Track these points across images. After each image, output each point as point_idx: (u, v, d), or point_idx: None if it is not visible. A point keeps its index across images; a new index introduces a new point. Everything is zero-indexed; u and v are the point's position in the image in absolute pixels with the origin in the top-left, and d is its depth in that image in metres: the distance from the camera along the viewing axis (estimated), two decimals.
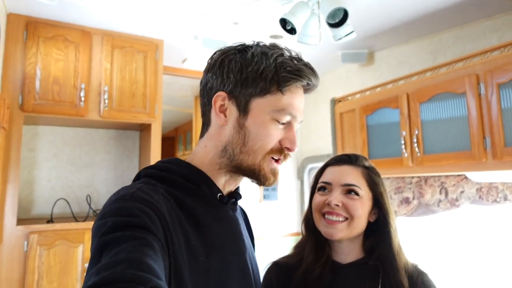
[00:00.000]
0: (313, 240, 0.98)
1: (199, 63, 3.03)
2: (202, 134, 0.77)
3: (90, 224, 2.22)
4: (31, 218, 2.45)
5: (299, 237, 3.52)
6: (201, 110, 0.78)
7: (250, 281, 0.74)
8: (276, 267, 1.01)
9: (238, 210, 0.82)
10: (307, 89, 0.74)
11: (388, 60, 2.66)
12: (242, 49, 0.72)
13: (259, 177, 0.72)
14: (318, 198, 0.97)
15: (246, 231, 0.83)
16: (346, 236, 0.93)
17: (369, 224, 0.97)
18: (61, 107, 2.24)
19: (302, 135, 3.60)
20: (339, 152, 2.55)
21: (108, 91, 2.37)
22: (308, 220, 1.01)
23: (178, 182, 0.69)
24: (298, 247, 1.03)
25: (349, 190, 0.94)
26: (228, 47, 0.74)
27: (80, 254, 2.18)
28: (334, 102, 2.64)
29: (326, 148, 3.21)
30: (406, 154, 2.07)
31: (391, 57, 2.64)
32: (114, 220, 0.54)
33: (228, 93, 0.71)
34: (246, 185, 3.59)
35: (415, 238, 2.53)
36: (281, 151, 0.72)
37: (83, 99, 2.28)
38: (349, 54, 2.65)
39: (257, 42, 0.74)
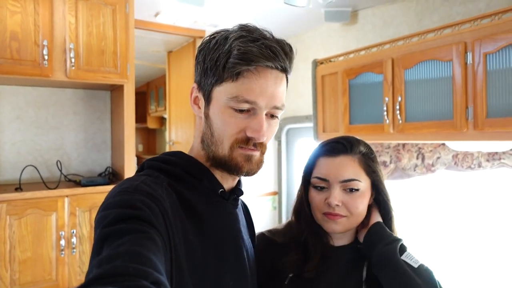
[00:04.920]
0: (315, 237, 0.92)
1: (173, 18, 2.81)
2: None
3: (62, 192, 2.13)
4: None
5: (276, 197, 3.51)
6: None
7: (246, 278, 0.74)
8: (263, 240, 0.96)
9: (239, 206, 0.81)
10: (280, 70, 0.69)
11: (372, 20, 2.56)
12: (213, 37, 0.71)
13: (231, 167, 0.70)
14: (317, 197, 0.90)
15: (246, 227, 0.82)
16: (348, 229, 0.91)
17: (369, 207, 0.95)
18: (22, 66, 2.03)
19: None
20: (320, 117, 2.52)
21: (74, 49, 2.17)
22: (301, 213, 0.95)
23: (181, 176, 0.69)
24: (288, 231, 0.98)
25: (349, 187, 0.88)
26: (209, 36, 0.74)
27: (54, 222, 2.10)
28: (316, 64, 2.56)
29: (305, 109, 3.16)
30: (387, 121, 2.07)
31: (376, 17, 2.54)
32: (117, 212, 0.54)
33: (197, 84, 0.73)
34: None
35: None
36: (247, 141, 0.68)
37: (46, 57, 2.07)
38: (332, 12, 2.53)
39: (238, 25, 0.71)
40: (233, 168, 0.70)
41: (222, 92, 0.67)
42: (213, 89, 0.69)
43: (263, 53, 0.65)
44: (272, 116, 0.71)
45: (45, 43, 2.06)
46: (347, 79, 2.31)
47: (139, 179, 0.63)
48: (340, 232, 0.90)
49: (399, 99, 2.00)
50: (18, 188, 2.14)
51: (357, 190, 0.88)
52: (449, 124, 1.78)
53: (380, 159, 2.50)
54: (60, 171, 2.40)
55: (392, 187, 2.57)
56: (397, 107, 2.01)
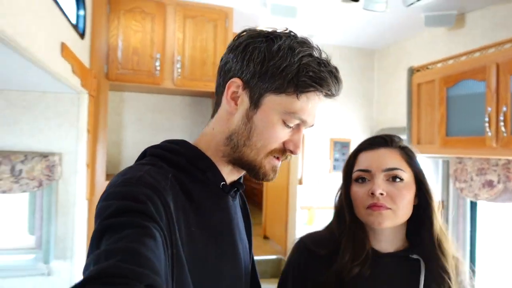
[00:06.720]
0: (351, 236, 0.89)
1: None
2: (213, 115, 0.75)
3: None
4: None
5: None
6: (215, 88, 0.74)
7: (241, 272, 0.74)
8: (304, 253, 0.94)
9: (237, 199, 0.81)
10: (327, 96, 0.70)
11: (482, 23, 2.30)
12: (270, 38, 0.67)
13: (259, 173, 0.71)
14: (359, 190, 0.88)
15: (243, 220, 0.82)
16: (393, 225, 0.86)
17: (414, 208, 0.89)
18: (140, 75, 2.43)
19: (379, 105, 3.38)
20: (414, 128, 2.36)
21: (181, 61, 2.49)
22: (341, 214, 0.92)
23: (184, 166, 0.68)
24: (330, 238, 0.93)
25: (393, 176, 0.86)
26: (258, 31, 0.71)
27: None
28: (412, 71, 2.41)
29: (403, 120, 2.98)
30: (489, 134, 1.83)
31: (486, 19, 2.28)
32: (118, 203, 0.53)
33: (244, 81, 0.68)
34: (316, 155, 3.53)
35: (493, 225, 2.28)
36: (283, 152, 0.70)
37: (158, 68, 2.43)
38: (433, 17, 2.36)
39: (289, 32, 0.70)
40: (260, 175, 0.71)
41: (279, 103, 0.66)
42: (266, 94, 0.67)
43: (332, 81, 0.67)
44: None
45: (158, 56, 2.43)
46: (445, 87, 2.12)
47: (142, 169, 0.61)
48: (386, 227, 0.85)
49: (504, 109, 1.76)
50: None
51: (401, 180, 0.86)
52: None
53: (485, 177, 2.21)
54: None
55: (498, 210, 2.25)
56: (501, 118, 1.77)
